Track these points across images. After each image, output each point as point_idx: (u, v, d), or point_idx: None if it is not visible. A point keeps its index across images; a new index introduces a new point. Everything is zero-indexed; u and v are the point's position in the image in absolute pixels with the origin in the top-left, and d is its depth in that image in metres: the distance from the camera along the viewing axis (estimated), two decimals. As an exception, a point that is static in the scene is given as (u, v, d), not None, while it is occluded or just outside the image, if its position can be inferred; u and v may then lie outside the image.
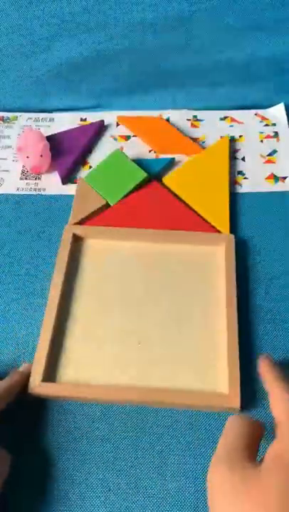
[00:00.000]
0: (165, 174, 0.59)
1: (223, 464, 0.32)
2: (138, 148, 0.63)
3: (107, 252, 0.52)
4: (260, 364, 0.41)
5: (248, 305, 0.48)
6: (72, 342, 0.46)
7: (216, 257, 0.51)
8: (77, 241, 0.53)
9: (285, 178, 0.59)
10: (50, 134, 0.63)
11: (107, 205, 0.56)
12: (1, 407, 0.39)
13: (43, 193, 0.58)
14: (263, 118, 0.66)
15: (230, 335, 0.45)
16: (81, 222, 0.54)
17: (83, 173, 0.60)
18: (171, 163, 0.60)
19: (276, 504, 0.29)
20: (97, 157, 0.61)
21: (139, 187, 0.57)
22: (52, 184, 0.59)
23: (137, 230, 0.53)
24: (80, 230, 0.53)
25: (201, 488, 0.39)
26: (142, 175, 0.57)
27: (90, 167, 0.61)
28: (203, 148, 0.62)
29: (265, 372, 0.39)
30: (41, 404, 0.43)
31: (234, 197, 0.57)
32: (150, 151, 0.62)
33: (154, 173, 0.59)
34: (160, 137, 0.63)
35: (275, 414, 0.35)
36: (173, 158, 0.60)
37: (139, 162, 0.59)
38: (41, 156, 0.58)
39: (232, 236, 0.51)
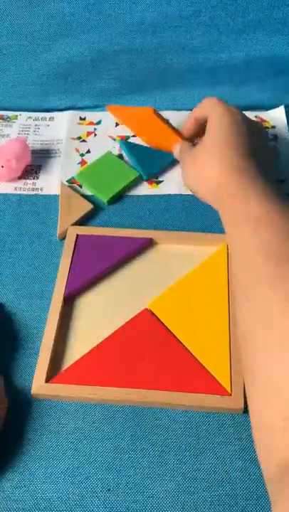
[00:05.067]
0: (162, 174, 0.59)
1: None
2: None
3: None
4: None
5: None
6: (75, 342, 0.46)
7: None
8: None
9: (284, 180, 0.59)
10: (50, 132, 0.64)
11: (94, 210, 0.56)
12: None
13: (40, 193, 0.58)
14: (263, 120, 0.66)
15: (233, 335, 0.45)
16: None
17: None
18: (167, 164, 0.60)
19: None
20: (96, 157, 0.61)
21: (131, 187, 0.58)
22: (50, 184, 0.59)
23: (139, 231, 0.53)
24: (83, 231, 0.53)
25: (201, 489, 0.39)
26: (134, 174, 0.58)
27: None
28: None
29: None
30: (41, 405, 0.43)
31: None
32: (149, 151, 0.62)
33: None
34: (149, 130, 0.63)
35: None
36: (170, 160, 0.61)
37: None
38: (2, 166, 0.58)
39: None
